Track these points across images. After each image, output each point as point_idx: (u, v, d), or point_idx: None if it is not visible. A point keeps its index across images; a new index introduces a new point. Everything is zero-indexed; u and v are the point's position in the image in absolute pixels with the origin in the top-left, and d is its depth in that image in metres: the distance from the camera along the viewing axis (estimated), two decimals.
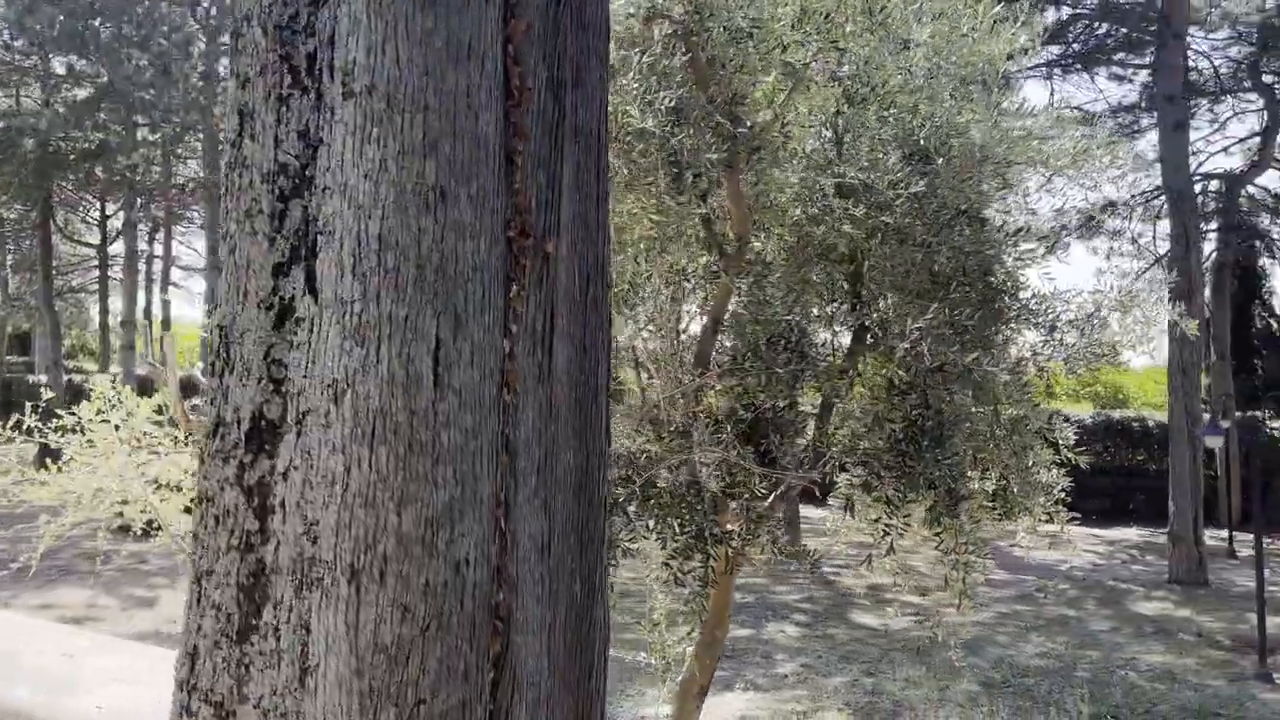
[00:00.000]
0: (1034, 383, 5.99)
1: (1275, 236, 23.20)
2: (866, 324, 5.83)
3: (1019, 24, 5.45)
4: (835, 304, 5.87)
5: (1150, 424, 22.85)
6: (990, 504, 5.91)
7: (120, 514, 9.40)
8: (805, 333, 5.35)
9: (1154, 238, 22.54)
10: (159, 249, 38.60)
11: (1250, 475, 19.42)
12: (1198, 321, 21.22)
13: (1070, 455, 5.95)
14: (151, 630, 11.36)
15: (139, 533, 9.47)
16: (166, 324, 36.72)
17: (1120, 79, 20.42)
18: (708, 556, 4.94)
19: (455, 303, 1.76)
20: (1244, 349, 25.23)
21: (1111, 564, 17.06)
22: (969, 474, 5.81)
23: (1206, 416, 17.55)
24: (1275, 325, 25.51)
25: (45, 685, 3.01)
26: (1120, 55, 20.32)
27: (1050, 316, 5.88)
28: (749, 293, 5.12)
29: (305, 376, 1.72)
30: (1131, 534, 20.07)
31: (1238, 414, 20.76)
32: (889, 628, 12.57)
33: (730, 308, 5.40)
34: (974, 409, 5.40)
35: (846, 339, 6.01)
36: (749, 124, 5.16)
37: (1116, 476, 21.82)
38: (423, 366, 1.71)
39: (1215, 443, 15.76)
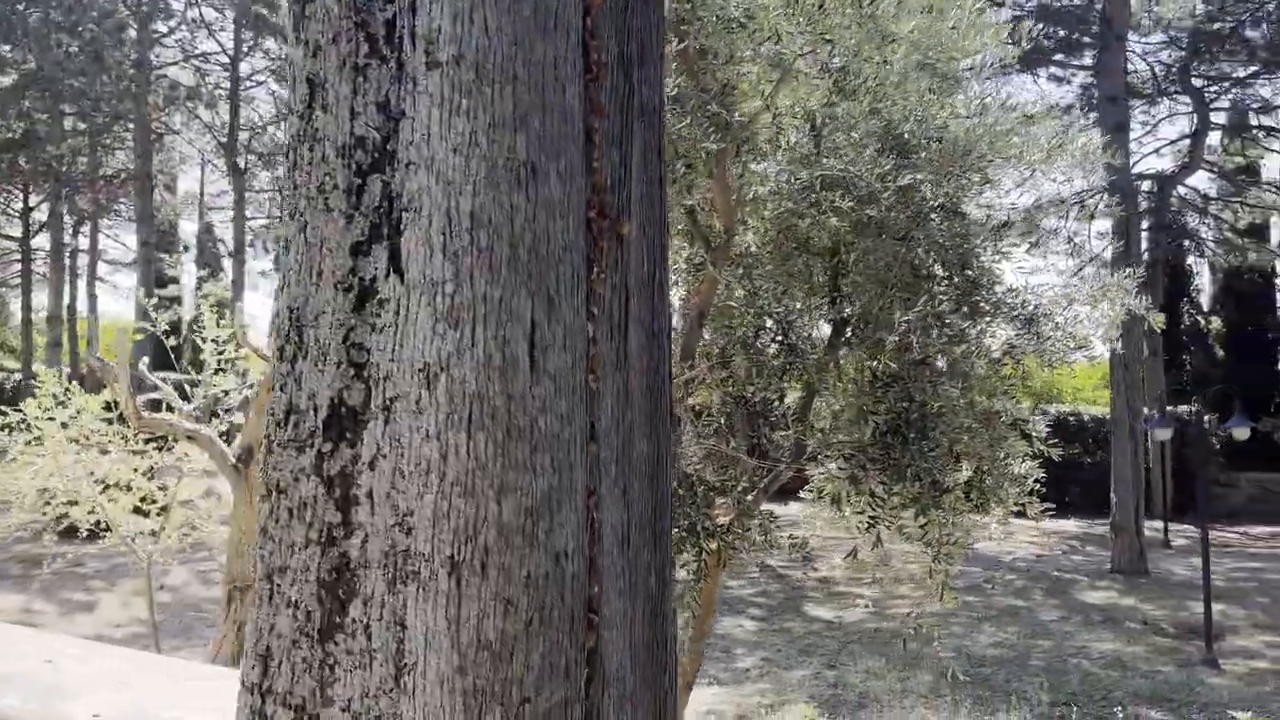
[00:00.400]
0: (1012, 374, 6.07)
1: (1203, 236, 23.90)
2: (846, 317, 5.85)
3: (1000, 21, 5.51)
4: (816, 297, 5.88)
5: (1085, 418, 23.41)
6: (966, 496, 5.96)
7: (66, 515, 9.09)
8: (793, 325, 5.34)
9: (1089, 236, 23.07)
10: (85, 242, 37.45)
11: (1196, 468, 20.02)
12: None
13: (1044, 448, 6.04)
14: (94, 635, 11.00)
15: (85, 534, 9.16)
16: (94, 319, 35.65)
17: (1060, 80, 20.87)
18: (700, 550, 4.90)
19: (548, 284, 1.68)
20: (1173, 346, 25.99)
21: (1054, 555, 17.43)
22: (951, 466, 5.85)
23: (1145, 410, 18.01)
24: (1203, 323, 26.30)
25: (35, 692, 2.87)
26: (1059, 57, 20.75)
27: (1027, 310, 5.95)
28: (739, 284, 5.08)
29: (392, 360, 1.62)
30: (1070, 525, 20.53)
31: (1169, 409, 21.35)
32: (843, 620, 12.69)
33: (714, 301, 5.37)
34: (959, 401, 5.44)
35: (826, 332, 6.03)
36: (738, 115, 5.13)
37: (1053, 469, 22.28)
38: (518, 350, 1.63)
39: (1165, 435, 16.18)
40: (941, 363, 5.32)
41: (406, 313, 1.62)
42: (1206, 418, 22.23)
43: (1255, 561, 17.33)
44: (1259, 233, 25.17)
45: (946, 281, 5.78)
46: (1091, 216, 22.35)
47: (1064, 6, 20.52)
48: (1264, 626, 12.39)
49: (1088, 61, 19.45)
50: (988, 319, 5.94)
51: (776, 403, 5.35)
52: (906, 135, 5.46)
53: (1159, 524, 19.11)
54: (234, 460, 8.29)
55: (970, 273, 5.81)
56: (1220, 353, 27.62)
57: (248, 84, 28.63)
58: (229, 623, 8.45)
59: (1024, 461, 5.97)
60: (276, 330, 1.78)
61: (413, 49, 1.68)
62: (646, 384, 1.99)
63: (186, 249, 39.43)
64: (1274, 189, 22.96)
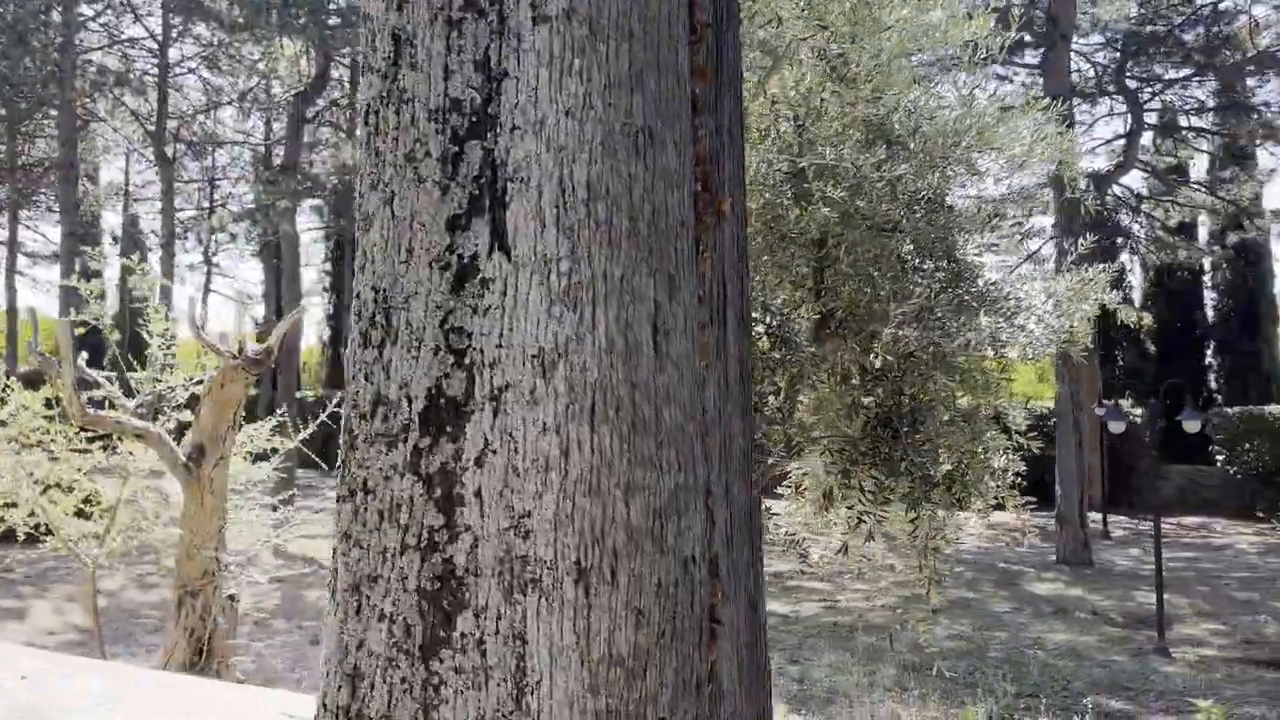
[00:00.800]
0: (996, 368, 6.04)
1: (1136, 234, 24.44)
2: (832, 310, 5.77)
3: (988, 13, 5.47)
4: (803, 290, 5.79)
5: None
6: (949, 489, 5.92)
7: (1, 519, 8.63)
8: (787, 318, 5.24)
9: (1028, 232, 23.42)
10: (3, 234, 36.00)
11: (1135, 461, 20.42)
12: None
13: (1023, 441, 6.03)
14: (27, 643, 10.49)
15: (23, 539, 8.71)
16: (13, 313, 34.29)
17: (1003, 79, 21.14)
18: None
19: (668, 261, 1.54)
20: (1106, 341, 26.58)
21: (997, 546, 17.65)
22: (937, 460, 5.80)
23: (1088, 405, 18.34)
24: (1136, 319, 26.89)
25: (20, 713, 2.61)
26: (1003, 55, 20.96)
27: (1011, 303, 5.92)
28: None
29: (499, 346, 1.46)
30: (1009, 517, 20.81)
31: (1119, 402, 21.80)
32: (800, 614, 12.68)
33: None
34: (954, 394, 5.39)
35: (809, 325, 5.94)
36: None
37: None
38: (641, 334, 1.48)
39: (1119, 427, 16.48)
40: (938, 355, 5.27)
41: (515, 293, 1.46)
42: (1142, 412, 22.75)
43: (1189, 551, 17.76)
44: (1188, 231, 25.85)
45: (933, 274, 5.73)
46: (1028, 214, 22.72)
47: (1009, 4, 20.76)
48: (1207, 614, 12.67)
49: (1031, 60, 19.74)
50: (972, 311, 5.90)
51: (771, 397, 5.24)
52: (896, 125, 5.39)
53: (1097, 515, 19.49)
54: (185, 459, 7.94)
55: (955, 265, 5.77)
56: (1151, 348, 28.34)
57: (177, 70, 27.72)
58: (180, 629, 8.10)
59: (1003, 455, 5.95)
60: (356, 313, 1.61)
61: (515, 2, 1.52)
62: (740, 372, 1.85)
63: (116, 240, 38.12)
64: (1203, 188, 23.58)
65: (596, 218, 1.48)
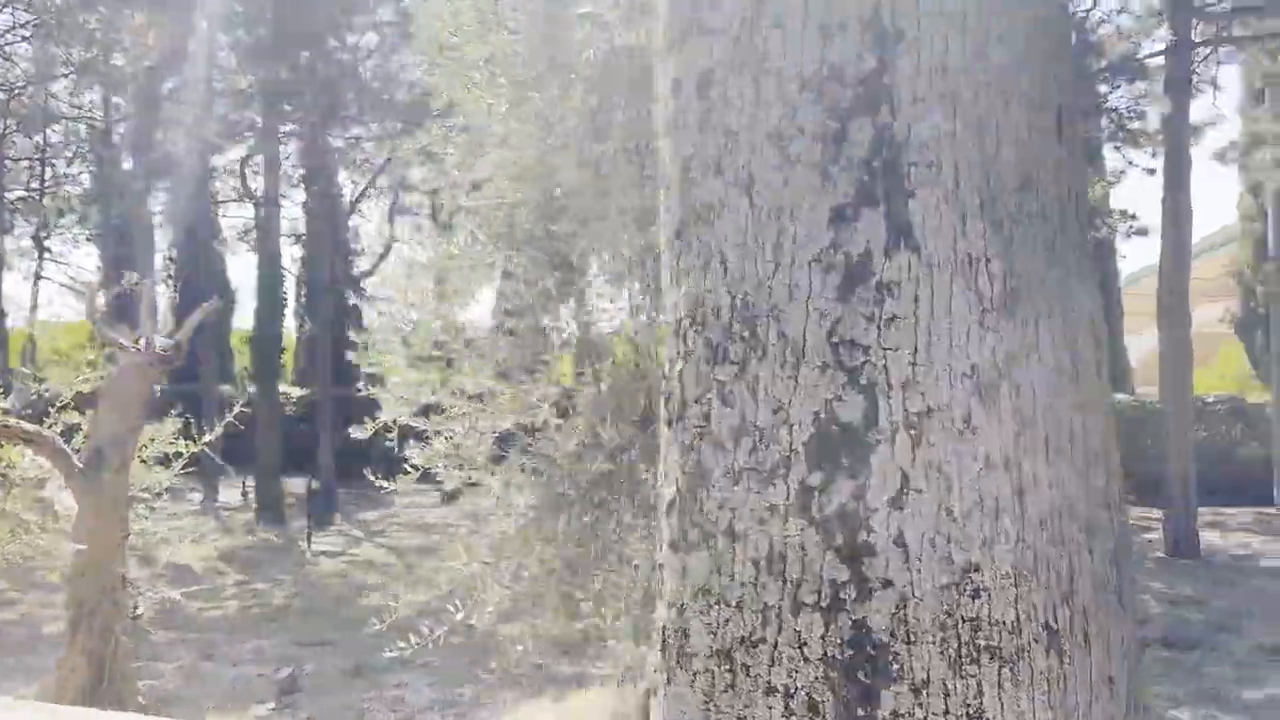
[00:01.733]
0: None
1: None
2: None
3: None
4: None
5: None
6: None
7: None
8: None
9: None
10: None
11: None
12: None
13: None
14: None
15: None
16: None
17: None
18: None
19: (1087, 260, 1.33)
20: None
21: None
22: None
23: None
24: None
25: None
26: None
27: None
28: None
29: (913, 364, 1.22)
30: None
31: None
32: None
33: None
34: None
35: None
36: None
37: None
38: (1085, 349, 1.27)
39: None
40: None
41: (931, 300, 1.22)
42: None
43: None
44: None
45: None
46: None
47: None
48: None
49: None
50: None
51: None
52: None
53: None
54: (81, 465, 7.21)
55: None
56: None
57: (6, 39, 25.53)
58: (77, 652, 7.37)
59: None
60: (693, 320, 1.34)
61: None
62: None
63: None
64: None
65: (1028, 210, 1.26)
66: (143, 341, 7.22)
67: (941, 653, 1.18)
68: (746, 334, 1.28)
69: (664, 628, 1.35)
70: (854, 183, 1.26)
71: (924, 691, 1.18)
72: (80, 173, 29.40)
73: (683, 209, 1.36)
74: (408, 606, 4.81)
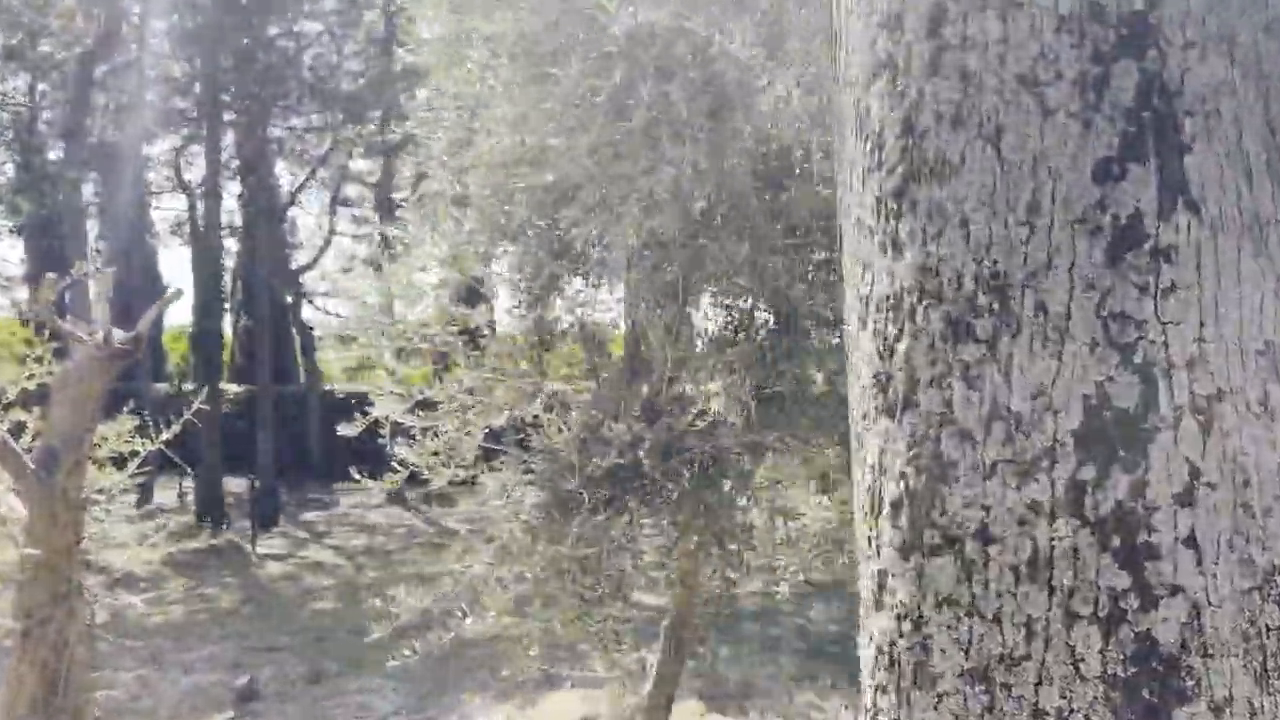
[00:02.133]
0: None
1: None
2: None
3: None
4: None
5: None
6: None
7: None
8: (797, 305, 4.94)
9: None
10: None
11: None
12: None
13: None
14: None
15: None
16: None
17: None
18: (726, 555, 4.42)
19: None
20: None
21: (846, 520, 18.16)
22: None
23: None
24: None
25: None
26: None
27: None
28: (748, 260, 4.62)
29: (1200, 340, 1.08)
30: None
31: None
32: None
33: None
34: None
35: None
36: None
37: None
38: None
39: None
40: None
41: (1216, 268, 1.08)
42: None
43: None
44: None
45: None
46: None
47: None
48: None
49: None
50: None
51: (795, 386, 4.94)
52: None
53: None
54: (33, 466, 6.81)
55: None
56: None
57: None
58: (27, 663, 6.97)
59: None
60: (922, 292, 1.18)
61: None
62: None
63: None
64: None
65: None
66: (100, 334, 6.83)
67: (1245, 666, 1.04)
68: (996, 307, 1.12)
69: (892, 644, 1.19)
70: (1119, 134, 1.11)
71: (1226, 711, 1.03)
72: (4, 162, 28.28)
73: (904, 164, 1.20)
74: (408, 611, 4.59)
